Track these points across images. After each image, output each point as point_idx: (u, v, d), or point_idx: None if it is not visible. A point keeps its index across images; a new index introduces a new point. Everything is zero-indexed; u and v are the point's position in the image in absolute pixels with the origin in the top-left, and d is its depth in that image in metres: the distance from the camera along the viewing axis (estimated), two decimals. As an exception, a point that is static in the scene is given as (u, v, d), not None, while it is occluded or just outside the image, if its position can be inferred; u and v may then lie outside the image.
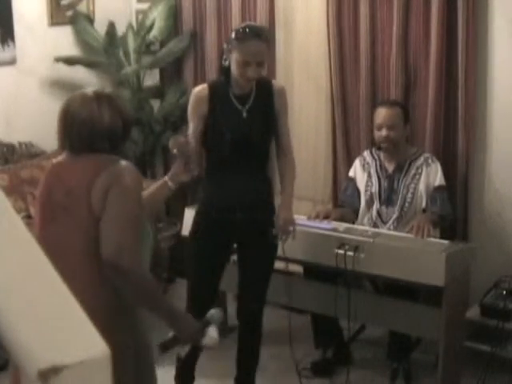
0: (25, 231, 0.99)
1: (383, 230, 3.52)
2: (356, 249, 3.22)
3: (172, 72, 4.80)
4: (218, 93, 3.04)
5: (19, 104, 4.35)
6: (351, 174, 3.80)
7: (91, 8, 4.71)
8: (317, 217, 3.52)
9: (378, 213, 3.67)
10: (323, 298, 3.46)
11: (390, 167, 3.67)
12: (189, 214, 3.50)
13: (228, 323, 3.98)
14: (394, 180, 3.65)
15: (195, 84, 4.30)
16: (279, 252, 3.16)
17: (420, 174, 3.60)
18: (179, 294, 3.88)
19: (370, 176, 3.71)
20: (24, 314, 0.89)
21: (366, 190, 3.71)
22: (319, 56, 4.24)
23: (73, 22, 4.60)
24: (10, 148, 4.21)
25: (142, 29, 4.64)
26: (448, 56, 3.71)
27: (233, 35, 2.97)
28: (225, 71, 3.03)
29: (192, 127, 3.06)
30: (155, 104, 4.75)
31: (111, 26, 4.62)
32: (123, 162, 2.18)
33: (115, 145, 2.23)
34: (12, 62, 4.30)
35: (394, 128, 3.57)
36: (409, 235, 3.32)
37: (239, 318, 3.29)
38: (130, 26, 4.68)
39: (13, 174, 4.04)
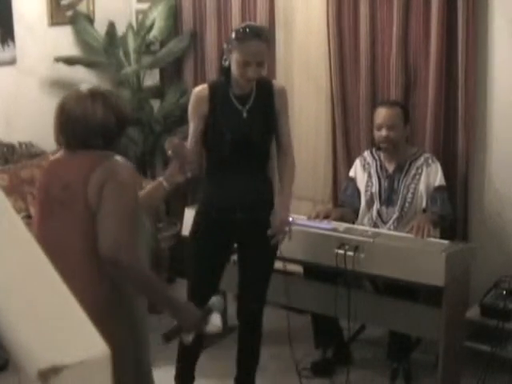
0: (25, 231, 0.99)
1: (383, 230, 3.52)
2: (356, 249, 3.22)
3: (172, 72, 4.80)
4: (219, 93, 3.04)
5: (19, 104, 4.35)
6: (351, 174, 3.80)
7: (91, 8, 4.71)
8: (317, 217, 3.52)
9: (378, 213, 3.67)
10: (323, 298, 3.46)
11: (391, 167, 3.67)
12: (189, 214, 3.50)
13: (228, 323, 3.98)
14: (395, 180, 3.65)
15: (195, 84, 4.30)
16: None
17: (420, 174, 3.60)
18: (179, 294, 3.86)
19: (370, 176, 3.71)
20: (24, 314, 0.89)
21: (366, 190, 3.71)
22: (319, 56, 4.24)
23: (73, 22, 4.60)
24: (10, 148, 4.21)
25: (141, 29, 4.64)
26: (448, 56, 3.71)
27: (233, 35, 2.96)
28: (225, 71, 3.02)
29: (192, 127, 3.06)
30: (155, 104, 4.75)
31: (111, 26, 4.62)
32: (118, 158, 2.22)
33: (110, 141, 2.26)
34: (12, 62, 4.30)
35: (394, 128, 3.57)
36: (409, 235, 3.32)
37: (239, 318, 3.29)
38: (130, 25, 4.68)
39: (13, 174, 4.04)
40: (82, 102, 2.23)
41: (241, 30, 2.96)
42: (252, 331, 3.28)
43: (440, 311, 3.19)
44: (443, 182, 3.59)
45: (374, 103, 3.92)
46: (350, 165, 3.94)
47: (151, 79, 4.82)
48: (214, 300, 2.46)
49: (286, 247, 3.15)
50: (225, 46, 3.04)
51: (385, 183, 3.67)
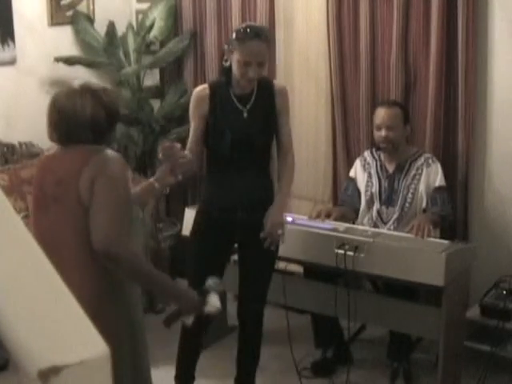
0: (25, 231, 0.99)
1: (383, 230, 3.52)
2: (356, 249, 3.22)
3: (172, 72, 4.80)
4: (219, 93, 3.05)
5: (19, 104, 4.35)
6: (352, 174, 3.80)
7: (91, 8, 4.70)
8: (318, 216, 3.51)
9: (379, 213, 3.67)
10: (323, 298, 3.46)
11: (391, 167, 3.67)
12: (189, 214, 3.50)
13: (228, 323, 3.98)
14: (395, 180, 3.65)
15: (195, 84, 4.31)
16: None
17: (420, 174, 3.60)
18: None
19: (370, 176, 3.71)
20: (24, 314, 0.89)
21: (366, 190, 3.71)
22: (319, 56, 4.24)
23: (73, 22, 4.60)
24: (10, 148, 4.21)
25: (142, 29, 4.63)
26: (448, 56, 3.71)
27: (233, 36, 2.97)
28: (225, 71, 3.03)
29: (193, 127, 3.07)
30: (155, 104, 4.75)
31: (111, 26, 4.62)
32: (108, 152, 2.24)
33: (100, 135, 2.28)
34: (12, 61, 4.30)
35: (393, 128, 3.57)
36: (409, 235, 3.32)
37: (239, 317, 3.29)
38: (130, 25, 4.68)
39: (13, 174, 4.04)
40: (72, 97, 2.26)
41: (241, 31, 2.96)
42: (252, 331, 3.28)
43: (440, 311, 3.19)
44: (443, 183, 3.58)
45: (373, 103, 3.92)
46: (350, 165, 3.94)
47: (151, 79, 4.82)
48: (210, 281, 2.49)
49: (286, 247, 3.15)
50: (225, 46, 3.04)
51: (385, 183, 3.67)
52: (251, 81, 2.99)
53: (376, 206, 3.67)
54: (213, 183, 3.13)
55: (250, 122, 3.04)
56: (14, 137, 4.26)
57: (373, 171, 3.70)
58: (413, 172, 3.61)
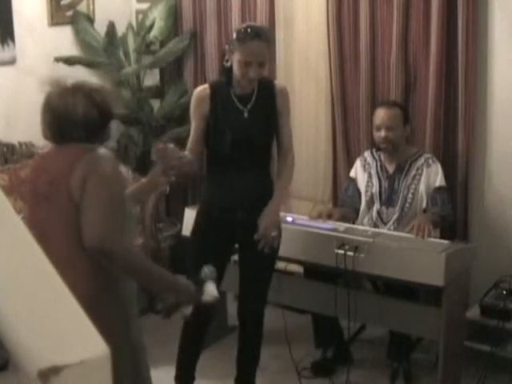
0: (25, 231, 0.99)
1: (383, 230, 3.52)
2: (356, 249, 3.21)
3: (172, 72, 4.80)
4: (220, 93, 3.05)
5: (19, 104, 4.35)
6: (352, 174, 3.80)
7: (91, 8, 4.70)
8: (319, 217, 3.51)
9: (379, 213, 3.67)
10: (323, 298, 3.46)
11: (391, 168, 3.67)
12: (189, 214, 3.50)
13: (228, 323, 3.98)
14: (395, 180, 3.65)
15: (195, 84, 4.31)
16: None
17: (420, 174, 3.60)
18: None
19: (370, 176, 3.71)
20: (24, 314, 0.89)
21: (366, 191, 3.71)
22: (319, 56, 4.24)
23: (73, 22, 4.60)
24: (10, 148, 4.22)
25: (142, 29, 4.63)
26: (448, 56, 3.71)
27: (234, 36, 2.97)
28: (226, 72, 3.03)
29: (193, 127, 3.07)
30: (155, 104, 4.75)
31: (111, 26, 4.62)
32: (100, 150, 2.25)
33: (93, 134, 2.28)
34: (12, 61, 4.30)
35: (393, 129, 3.57)
36: (409, 235, 3.32)
37: (239, 317, 3.29)
38: (130, 25, 4.68)
39: (13, 174, 4.04)
40: (64, 96, 2.26)
41: (242, 31, 2.96)
42: (252, 331, 3.28)
43: (440, 311, 3.19)
44: (443, 183, 3.58)
45: (373, 103, 3.92)
46: (349, 165, 3.94)
47: (151, 79, 4.82)
48: (206, 270, 2.49)
49: (286, 247, 3.15)
50: (226, 46, 3.05)
51: (385, 183, 3.67)
52: (252, 81, 2.99)
53: (376, 206, 3.67)
54: (213, 183, 3.13)
55: (250, 122, 3.04)
56: (14, 137, 4.26)
57: (373, 171, 3.70)
58: (413, 172, 3.61)
